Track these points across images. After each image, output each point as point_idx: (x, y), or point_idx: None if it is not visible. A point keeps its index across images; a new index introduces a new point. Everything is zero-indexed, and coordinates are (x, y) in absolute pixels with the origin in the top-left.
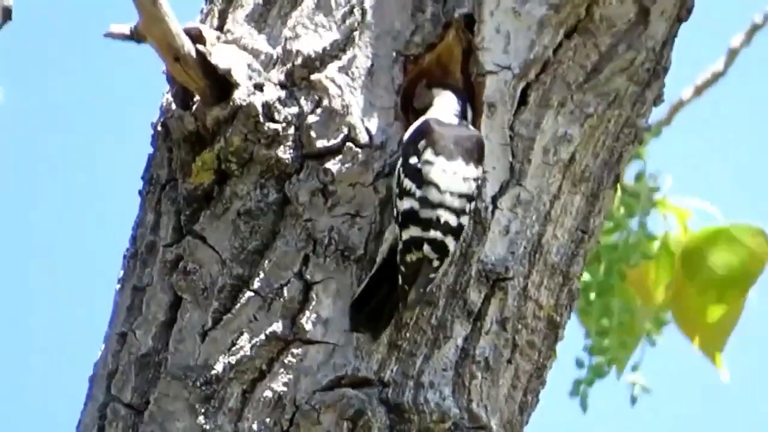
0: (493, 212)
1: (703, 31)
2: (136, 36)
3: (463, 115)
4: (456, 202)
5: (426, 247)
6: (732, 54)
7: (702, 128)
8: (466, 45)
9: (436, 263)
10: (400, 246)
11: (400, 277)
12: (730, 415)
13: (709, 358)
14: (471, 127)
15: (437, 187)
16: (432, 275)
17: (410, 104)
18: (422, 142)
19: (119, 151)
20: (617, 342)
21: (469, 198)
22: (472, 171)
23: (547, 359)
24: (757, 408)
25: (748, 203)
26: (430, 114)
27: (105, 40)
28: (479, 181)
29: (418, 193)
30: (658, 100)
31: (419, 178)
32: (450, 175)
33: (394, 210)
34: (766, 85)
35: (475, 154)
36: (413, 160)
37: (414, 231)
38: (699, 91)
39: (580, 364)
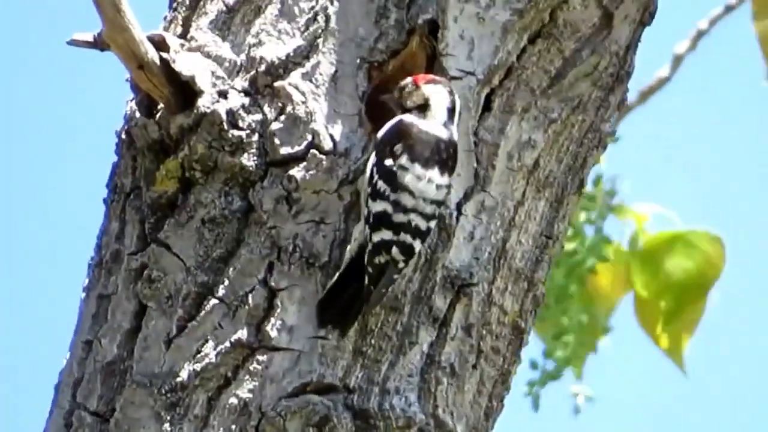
0: (457, 218)
1: (649, 37)
2: (99, 44)
3: (452, 113)
4: (428, 208)
5: (394, 250)
6: (677, 60)
7: (652, 134)
8: (430, 51)
9: (401, 265)
10: (369, 247)
11: (366, 277)
12: (688, 414)
13: (672, 359)
14: (453, 130)
15: (411, 193)
16: (396, 276)
17: (374, 111)
18: (398, 146)
19: (83, 159)
20: (576, 343)
21: (440, 204)
22: (446, 179)
23: (512, 365)
24: (716, 408)
25: (702, 207)
26: (413, 116)
27: (69, 48)
28: (449, 188)
29: (392, 196)
30: (621, 104)
31: (394, 181)
32: (424, 183)
33: (365, 209)
34: (712, 90)
35: (450, 162)
36: (389, 162)
37: (385, 234)
38: (644, 96)
39: (534, 365)
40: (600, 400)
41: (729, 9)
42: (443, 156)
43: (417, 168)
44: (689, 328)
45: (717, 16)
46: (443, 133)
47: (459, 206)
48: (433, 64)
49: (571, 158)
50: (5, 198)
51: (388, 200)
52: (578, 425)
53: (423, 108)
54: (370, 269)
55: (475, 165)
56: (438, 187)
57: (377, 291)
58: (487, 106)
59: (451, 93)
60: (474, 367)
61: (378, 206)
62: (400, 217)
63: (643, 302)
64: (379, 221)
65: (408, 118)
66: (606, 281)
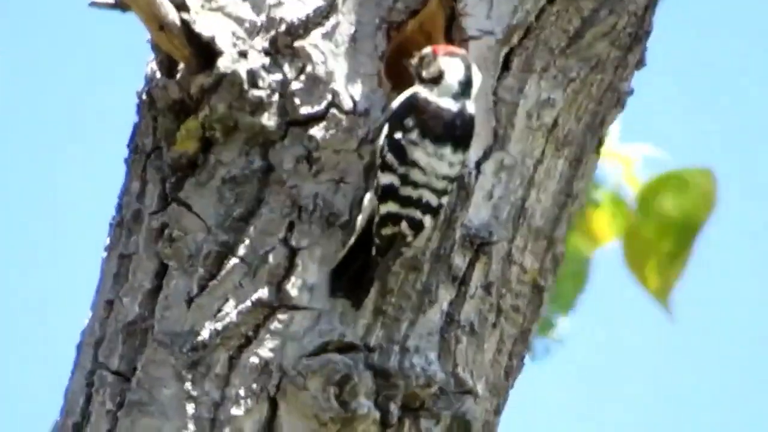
0: (476, 177)
1: None
2: (120, 5)
3: (466, 87)
4: (439, 184)
5: (403, 224)
6: None
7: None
8: (449, 11)
9: (409, 239)
10: (377, 219)
11: (373, 248)
12: (675, 359)
13: (659, 300)
14: (466, 104)
15: (421, 168)
16: (404, 249)
17: (393, 71)
18: (409, 120)
19: (104, 119)
20: (570, 288)
21: (451, 180)
22: (459, 156)
23: (532, 323)
24: (700, 352)
25: (695, 144)
26: (426, 90)
27: (90, 9)
28: (463, 164)
29: (400, 170)
30: (639, 64)
31: (402, 155)
32: (435, 159)
33: (375, 181)
34: (702, 26)
35: (464, 139)
36: (398, 135)
37: (392, 207)
38: None
39: None
40: (582, 344)
41: None
42: (456, 132)
43: (428, 144)
44: (677, 270)
45: None
46: (454, 107)
47: (478, 165)
48: (452, 24)
49: (590, 117)
50: (28, 157)
51: (396, 173)
52: (559, 369)
53: (436, 80)
54: (377, 240)
55: (494, 124)
56: (450, 164)
57: (383, 262)
58: (505, 66)
59: (468, 67)
60: (494, 325)
61: (386, 178)
62: (408, 191)
63: (634, 243)
64: (387, 193)
65: (422, 92)
66: (595, 224)
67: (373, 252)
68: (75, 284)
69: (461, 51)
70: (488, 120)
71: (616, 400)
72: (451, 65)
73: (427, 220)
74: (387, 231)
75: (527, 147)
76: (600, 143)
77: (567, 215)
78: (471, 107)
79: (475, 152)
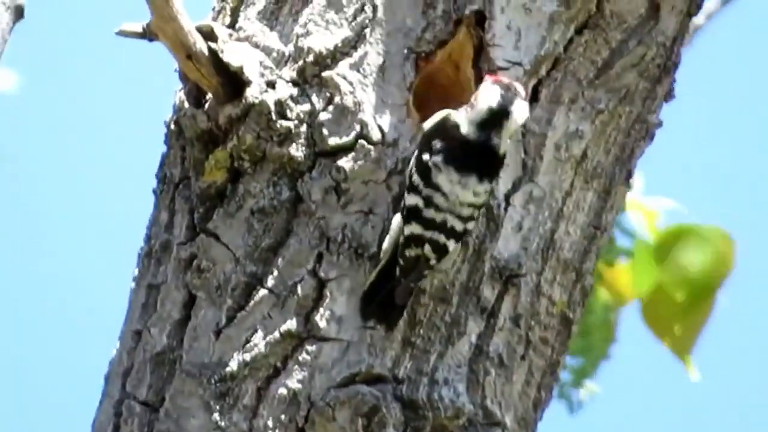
0: (505, 209)
1: None
2: (148, 34)
3: (497, 117)
4: (464, 211)
5: (426, 247)
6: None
7: (666, 128)
8: (477, 42)
9: (432, 262)
10: (402, 240)
11: (398, 269)
12: (697, 416)
13: (679, 359)
14: (497, 139)
15: (443, 194)
16: (426, 272)
17: (421, 101)
18: (437, 142)
19: (133, 149)
20: (600, 339)
21: (478, 207)
22: (486, 186)
23: (560, 355)
24: (724, 409)
25: (714, 203)
26: (459, 115)
27: (117, 38)
28: (490, 192)
29: (425, 191)
30: (668, 96)
31: (427, 176)
32: (459, 187)
33: (402, 201)
34: (725, 86)
35: (490, 170)
36: (426, 156)
37: (415, 228)
38: None
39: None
40: (605, 400)
41: (726, 2)
42: (479, 163)
43: (451, 171)
44: (697, 327)
45: (713, 11)
46: (476, 137)
47: (507, 197)
48: (480, 54)
49: (619, 149)
50: (56, 188)
51: (421, 195)
52: (583, 425)
53: (472, 104)
54: (401, 261)
55: (522, 155)
56: (476, 194)
57: (406, 284)
58: (534, 97)
59: (506, 97)
60: (522, 357)
61: (411, 200)
62: (431, 213)
63: (653, 299)
64: (411, 214)
65: (454, 114)
66: (621, 277)
67: (397, 273)
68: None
69: (508, 81)
70: (517, 151)
71: None
72: (487, 91)
73: (451, 245)
74: (410, 252)
75: (556, 179)
76: (629, 175)
77: (596, 247)
78: (498, 141)
79: (504, 184)
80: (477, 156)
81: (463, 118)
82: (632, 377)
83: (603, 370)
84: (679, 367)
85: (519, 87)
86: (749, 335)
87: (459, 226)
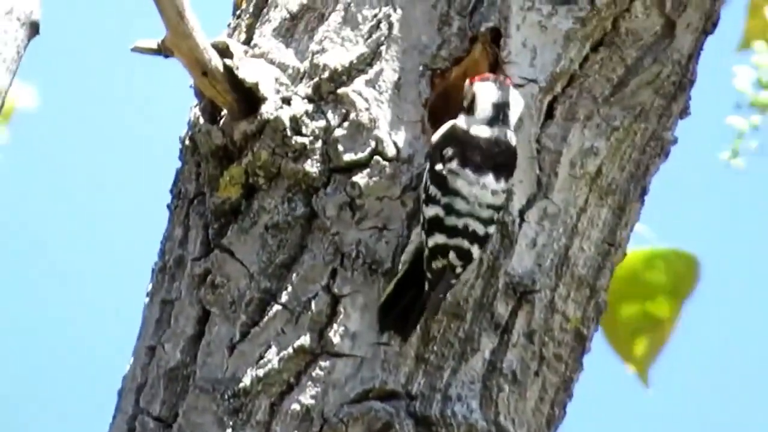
0: (520, 225)
1: None
2: (163, 50)
3: (502, 110)
4: (485, 213)
5: (451, 254)
6: None
7: None
8: (493, 59)
9: (459, 270)
10: (426, 253)
11: (426, 283)
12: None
13: (638, 377)
14: (508, 131)
15: (464, 197)
16: (453, 281)
17: (437, 118)
18: (448, 149)
19: (147, 165)
20: None
21: (497, 209)
22: (502, 185)
23: (574, 372)
24: (686, 429)
25: (675, 225)
26: (463, 120)
27: (133, 54)
28: (508, 192)
29: (443, 200)
30: (683, 113)
31: (444, 185)
32: (478, 188)
33: (421, 215)
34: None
35: (507, 168)
36: (439, 166)
37: (439, 238)
38: None
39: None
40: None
41: None
42: (496, 160)
43: (468, 173)
44: (657, 345)
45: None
46: (490, 134)
47: (521, 213)
48: (495, 71)
49: (634, 166)
50: (69, 203)
51: (440, 204)
52: None
53: (471, 107)
54: (429, 275)
55: (537, 172)
56: (494, 192)
57: (435, 296)
58: (549, 114)
59: (503, 89)
60: (536, 374)
61: (431, 211)
62: (452, 221)
63: (614, 318)
64: (433, 225)
65: (459, 122)
66: None
67: (426, 287)
68: (117, 330)
69: (497, 75)
70: (532, 168)
71: None
72: (482, 89)
73: (475, 251)
74: (437, 264)
75: (570, 195)
76: (643, 192)
77: (610, 264)
78: (509, 133)
79: (518, 200)
80: (491, 154)
81: (468, 122)
82: (593, 394)
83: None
84: (639, 385)
85: (503, 77)
86: (711, 354)
87: (481, 230)
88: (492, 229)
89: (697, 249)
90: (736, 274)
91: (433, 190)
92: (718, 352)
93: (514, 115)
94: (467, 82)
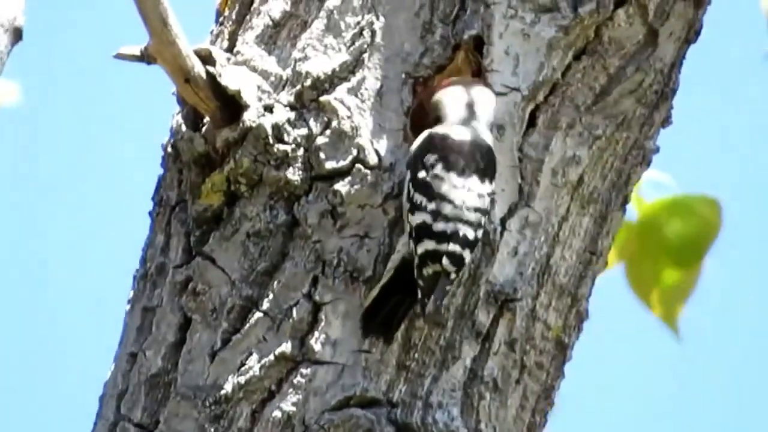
0: (501, 234)
1: None
2: (146, 57)
3: (472, 108)
4: (472, 216)
5: (445, 260)
6: None
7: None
8: (476, 67)
9: (453, 276)
10: (416, 261)
11: (419, 291)
12: (682, 379)
13: (666, 324)
14: (483, 133)
15: (450, 201)
16: (448, 287)
17: (419, 126)
18: (429, 156)
19: (130, 172)
20: None
21: (484, 212)
22: (487, 187)
23: (555, 380)
24: (709, 374)
25: (702, 172)
26: (438, 127)
27: (115, 61)
28: (492, 196)
29: (430, 206)
30: (666, 122)
31: (430, 192)
32: (464, 192)
33: (407, 225)
34: (715, 53)
35: (489, 170)
36: (422, 174)
37: (429, 244)
38: None
39: None
40: (587, 363)
41: None
42: (479, 163)
43: (453, 177)
44: (684, 294)
45: None
46: (468, 136)
47: (503, 221)
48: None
49: (616, 175)
50: (51, 210)
51: (426, 210)
52: (568, 396)
53: (440, 113)
54: (421, 282)
55: (519, 180)
56: (480, 195)
57: (431, 303)
58: (531, 122)
59: (467, 89)
60: (517, 382)
61: (417, 218)
62: (440, 226)
63: (638, 268)
64: (421, 232)
65: (435, 129)
66: None
67: (419, 295)
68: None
69: (461, 78)
70: (514, 176)
71: (624, 426)
72: (447, 93)
73: (467, 255)
74: (428, 270)
75: (552, 204)
76: (625, 201)
77: (591, 272)
78: (485, 133)
79: (500, 208)
80: (473, 156)
81: (445, 128)
82: (616, 341)
83: (585, 334)
84: (664, 332)
85: (470, 78)
86: (737, 299)
87: (471, 234)
88: (480, 233)
89: (719, 194)
90: (759, 219)
91: (418, 197)
92: (743, 301)
93: (483, 111)
94: (439, 87)
